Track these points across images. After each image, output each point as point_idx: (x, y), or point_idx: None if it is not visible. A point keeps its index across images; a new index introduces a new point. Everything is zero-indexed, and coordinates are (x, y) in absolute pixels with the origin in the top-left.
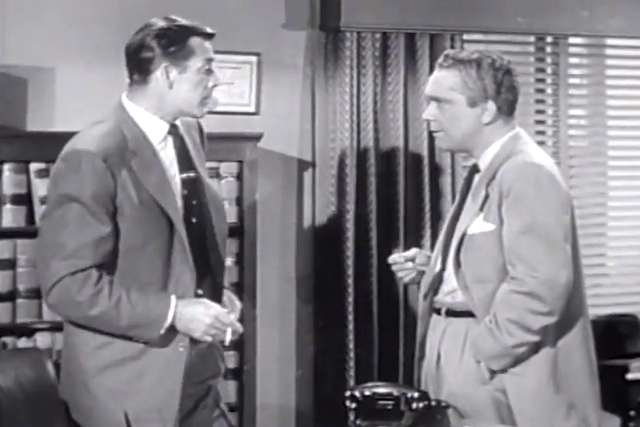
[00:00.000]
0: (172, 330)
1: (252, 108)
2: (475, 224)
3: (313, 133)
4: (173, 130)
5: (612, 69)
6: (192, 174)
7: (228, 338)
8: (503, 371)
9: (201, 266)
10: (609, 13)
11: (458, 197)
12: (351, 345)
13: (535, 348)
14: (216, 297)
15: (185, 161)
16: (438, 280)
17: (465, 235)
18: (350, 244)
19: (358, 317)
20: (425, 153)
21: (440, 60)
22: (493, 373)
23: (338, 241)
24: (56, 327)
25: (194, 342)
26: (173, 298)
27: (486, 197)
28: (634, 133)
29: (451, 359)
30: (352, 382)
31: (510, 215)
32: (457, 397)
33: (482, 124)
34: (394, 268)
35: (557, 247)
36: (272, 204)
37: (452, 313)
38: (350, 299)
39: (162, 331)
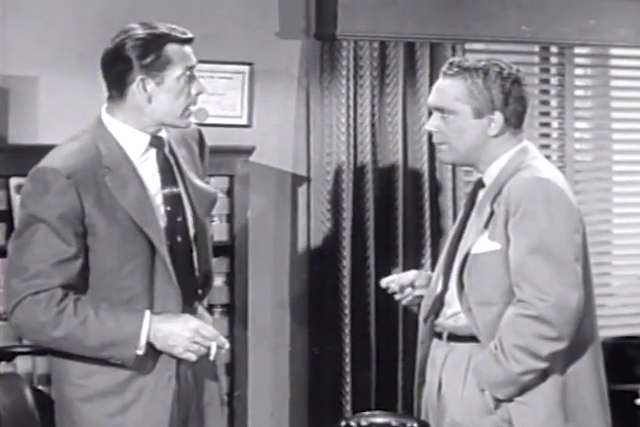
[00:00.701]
0: (156, 357)
1: (243, 121)
2: (479, 243)
3: (308, 147)
4: (157, 142)
5: (617, 80)
6: (174, 190)
7: (213, 352)
8: (509, 400)
9: (188, 286)
10: (616, 22)
11: (461, 213)
12: (347, 370)
13: (543, 375)
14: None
15: (168, 176)
16: (439, 303)
17: (469, 254)
18: (347, 263)
19: (355, 340)
20: (425, 168)
21: (444, 68)
22: (498, 402)
23: (334, 260)
24: (37, 351)
25: (181, 369)
26: (147, 313)
27: (491, 213)
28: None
29: (453, 387)
30: (348, 409)
31: (518, 234)
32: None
33: (488, 136)
34: (389, 291)
35: (568, 268)
36: (264, 221)
37: (454, 338)
38: (347, 320)
39: (138, 351)
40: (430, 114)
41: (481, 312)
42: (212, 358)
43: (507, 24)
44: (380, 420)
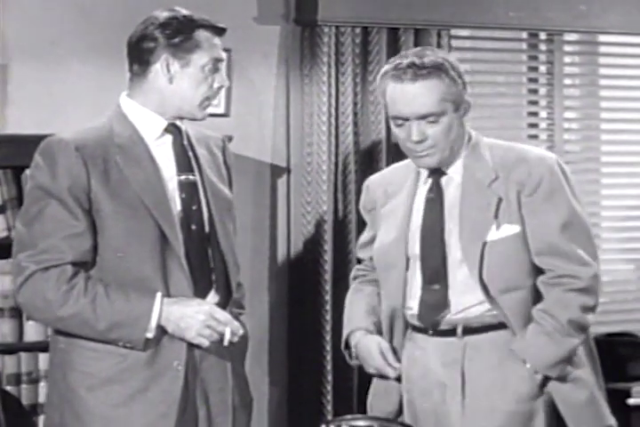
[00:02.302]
0: (165, 345)
1: (220, 110)
2: (495, 230)
3: (287, 137)
4: (173, 129)
5: (606, 68)
6: (191, 177)
7: (227, 337)
8: (560, 378)
9: (202, 276)
10: (607, 8)
11: (420, 206)
12: (329, 376)
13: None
14: None
15: (184, 162)
16: (443, 302)
17: (485, 243)
18: (328, 257)
19: (336, 343)
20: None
21: (411, 72)
22: (544, 384)
23: (315, 253)
24: (6, 350)
25: (193, 359)
26: (159, 294)
27: (499, 200)
28: (628, 138)
29: (487, 378)
30: (330, 411)
31: (544, 211)
32: (501, 414)
33: (464, 125)
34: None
35: (592, 240)
36: (243, 213)
37: (468, 331)
38: (328, 317)
39: (148, 333)
40: (401, 125)
41: (507, 299)
42: (225, 343)
43: (494, 9)
44: (361, 423)
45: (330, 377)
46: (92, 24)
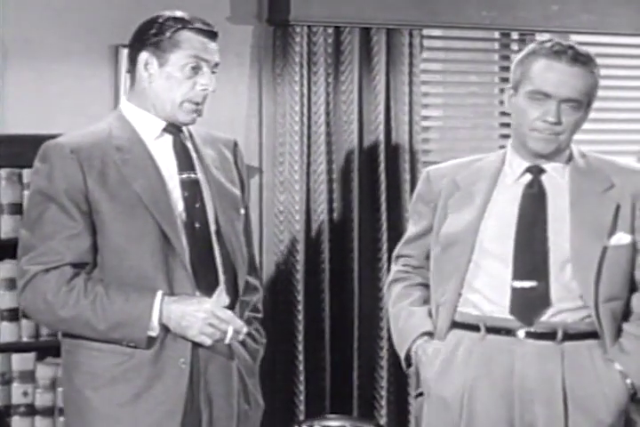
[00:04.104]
0: (170, 343)
1: None
2: (612, 236)
3: (260, 137)
4: (172, 129)
5: None
6: (192, 176)
7: (229, 336)
8: None
9: (205, 274)
10: (579, 8)
11: (517, 199)
12: (301, 376)
13: None
14: None
15: (184, 161)
16: (545, 301)
17: (607, 248)
18: (300, 257)
19: (309, 341)
20: (382, 158)
21: (572, 54)
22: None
23: (287, 253)
24: None
25: (199, 357)
26: (159, 293)
27: (618, 207)
28: (600, 137)
29: (586, 389)
30: (302, 411)
31: None
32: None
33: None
34: None
35: None
36: None
37: (567, 336)
38: (300, 317)
39: (150, 332)
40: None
41: (607, 307)
42: (226, 341)
43: (466, 9)
44: (334, 423)
45: (302, 377)
46: (66, 22)
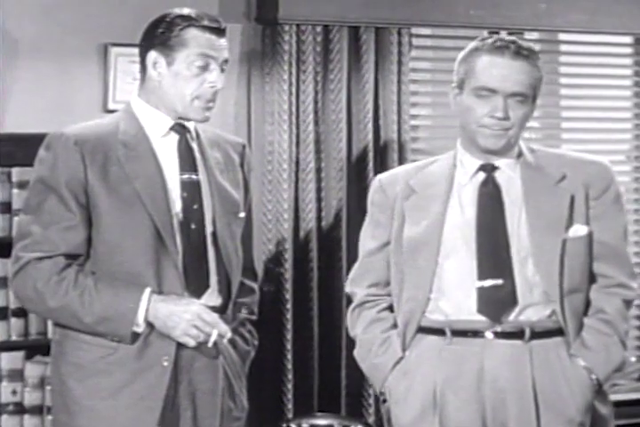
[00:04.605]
0: (155, 340)
1: None
2: (571, 228)
3: (249, 136)
4: (179, 129)
5: (567, 67)
6: (194, 177)
7: (212, 339)
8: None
9: (196, 275)
10: (567, 6)
11: (474, 198)
12: (289, 374)
13: None
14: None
15: (187, 162)
16: (512, 299)
17: (566, 240)
18: (289, 256)
19: (297, 339)
20: (370, 157)
21: (514, 48)
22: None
23: (275, 252)
24: None
25: (183, 356)
26: (147, 290)
27: (572, 198)
28: (589, 137)
29: (555, 388)
30: (290, 409)
31: (613, 217)
32: (576, 424)
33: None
34: None
35: None
36: None
37: (535, 335)
38: (289, 316)
39: (136, 328)
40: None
41: (570, 300)
42: (210, 344)
43: (454, 8)
44: (322, 422)
45: (290, 376)
46: (56, 21)
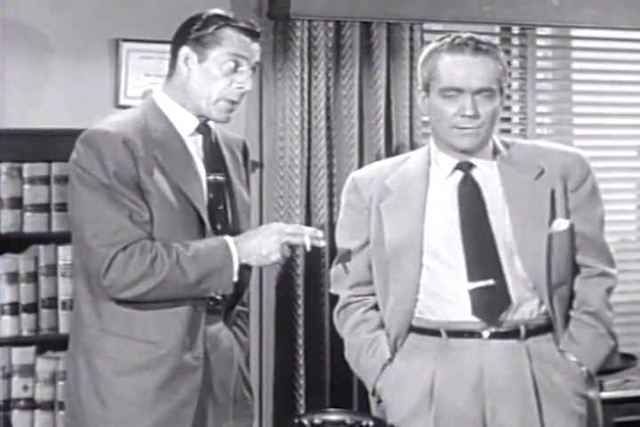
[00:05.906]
0: (188, 336)
1: None
2: (554, 222)
3: (260, 131)
4: (204, 129)
5: (579, 63)
6: (220, 178)
7: (308, 243)
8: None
9: None
10: (579, 2)
11: (454, 198)
12: (301, 370)
13: None
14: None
15: (213, 162)
16: (505, 298)
17: (551, 235)
18: (300, 251)
19: (309, 336)
20: (382, 152)
21: (472, 45)
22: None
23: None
24: None
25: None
26: (230, 240)
27: (552, 192)
28: (601, 132)
29: (555, 383)
30: (302, 405)
31: (590, 207)
32: (577, 418)
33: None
34: None
35: None
36: None
37: (530, 332)
38: (300, 311)
39: (234, 275)
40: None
41: (557, 294)
42: (308, 249)
43: (467, 3)
44: (333, 417)
45: (302, 371)
46: (92, 18)
